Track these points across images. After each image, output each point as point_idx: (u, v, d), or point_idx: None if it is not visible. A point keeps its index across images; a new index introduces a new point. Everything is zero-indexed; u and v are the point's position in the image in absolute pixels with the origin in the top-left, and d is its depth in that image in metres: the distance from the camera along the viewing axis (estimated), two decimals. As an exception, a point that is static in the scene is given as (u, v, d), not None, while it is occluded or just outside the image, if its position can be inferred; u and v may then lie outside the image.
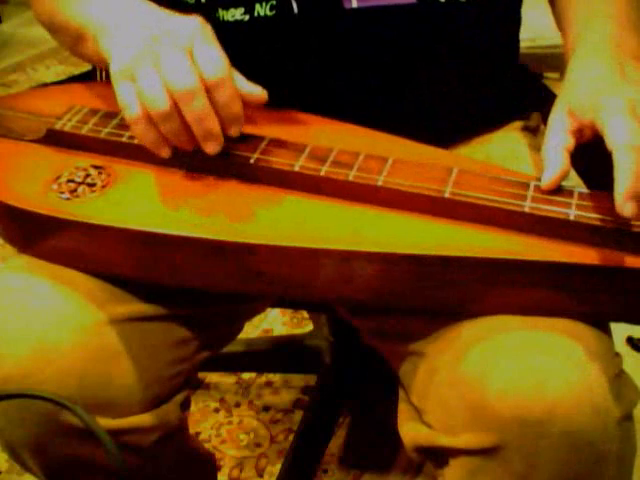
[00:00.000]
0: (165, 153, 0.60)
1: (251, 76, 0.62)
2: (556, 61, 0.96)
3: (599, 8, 0.67)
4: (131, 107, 0.57)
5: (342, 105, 0.67)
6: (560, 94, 0.62)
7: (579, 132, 0.60)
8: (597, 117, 0.57)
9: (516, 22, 0.78)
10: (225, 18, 0.69)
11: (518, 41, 0.79)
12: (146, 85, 0.57)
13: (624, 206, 0.52)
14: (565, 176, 0.58)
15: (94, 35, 0.64)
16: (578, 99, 0.60)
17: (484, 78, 0.73)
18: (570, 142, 0.59)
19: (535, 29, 0.91)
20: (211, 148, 0.59)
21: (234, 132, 0.60)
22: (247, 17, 0.68)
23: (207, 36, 0.59)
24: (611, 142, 0.55)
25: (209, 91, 0.57)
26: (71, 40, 0.71)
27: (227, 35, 0.67)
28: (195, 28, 0.59)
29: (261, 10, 0.67)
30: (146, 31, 0.60)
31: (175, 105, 0.56)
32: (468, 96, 0.73)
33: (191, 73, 0.56)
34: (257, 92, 0.61)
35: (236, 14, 0.68)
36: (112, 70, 0.59)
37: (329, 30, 0.69)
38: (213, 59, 0.58)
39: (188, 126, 0.58)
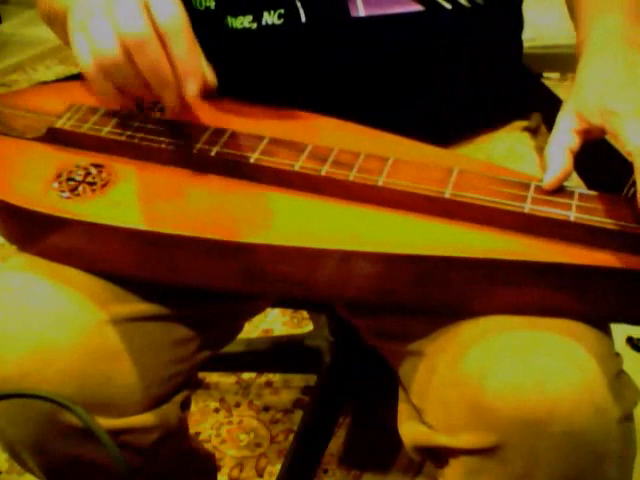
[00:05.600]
0: (122, 105, 0.59)
1: (258, 83, 0.61)
2: (556, 61, 0.95)
3: (606, 0, 0.66)
4: (83, 57, 0.56)
5: (347, 111, 0.67)
6: (570, 95, 0.62)
7: (586, 132, 0.59)
8: (608, 121, 0.56)
9: (518, 23, 0.78)
10: (234, 26, 0.69)
11: (521, 43, 0.79)
12: (96, 34, 0.55)
13: None
14: (567, 177, 0.57)
15: None
16: (586, 102, 0.59)
17: (486, 79, 0.73)
18: (575, 142, 0.59)
19: (535, 29, 0.91)
20: (168, 99, 0.57)
21: (190, 88, 0.56)
22: (255, 25, 0.68)
23: None
24: (629, 148, 0.54)
25: (163, 41, 0.55)
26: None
27: (235, 42, 0.67)
28: None
29: (269, 18, 0.68)
30: None
31: (126, 53, 0.55)
32: (470, 97, 0.73)
33: (141, 18, 0.54)
34: (210, 76, 0.60)
35: (244, 22, 0.68)
36: (69, 26, 0.58)
37: (336, 38, 0.69)
38: (167, 7, 0.55)
39: (142, 76, 0.56)
